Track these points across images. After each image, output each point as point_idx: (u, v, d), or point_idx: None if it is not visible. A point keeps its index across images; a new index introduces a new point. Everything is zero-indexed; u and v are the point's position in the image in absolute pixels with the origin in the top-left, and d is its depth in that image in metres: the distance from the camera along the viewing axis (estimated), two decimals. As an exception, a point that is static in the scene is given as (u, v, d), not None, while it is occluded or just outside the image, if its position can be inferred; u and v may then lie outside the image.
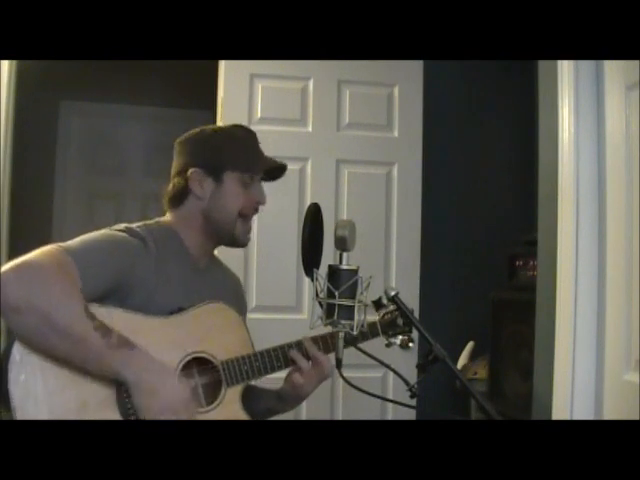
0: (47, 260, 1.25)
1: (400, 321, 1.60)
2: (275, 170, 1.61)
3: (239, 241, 1.57)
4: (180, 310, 1.44)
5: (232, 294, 1.63)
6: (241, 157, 1.54)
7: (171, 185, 1.57)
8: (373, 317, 1.59)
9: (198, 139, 1.57)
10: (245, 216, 1.55)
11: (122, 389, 1.29)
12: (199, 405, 1.41)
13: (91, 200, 4.05)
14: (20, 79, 2.35)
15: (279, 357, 1.52)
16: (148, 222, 1.52)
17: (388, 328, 1.61)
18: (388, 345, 1.62)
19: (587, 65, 1.96)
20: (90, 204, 4.04)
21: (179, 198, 1.55)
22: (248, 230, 1.57)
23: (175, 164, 1.58)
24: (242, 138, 1.58)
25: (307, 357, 1.54)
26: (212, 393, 1.44)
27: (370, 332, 1.60)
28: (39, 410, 1.23)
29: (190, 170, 1.53)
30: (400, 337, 1.61)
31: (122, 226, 1.46)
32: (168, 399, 1.29)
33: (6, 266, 1.22)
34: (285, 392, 1.58)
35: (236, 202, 1.53)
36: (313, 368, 1.53)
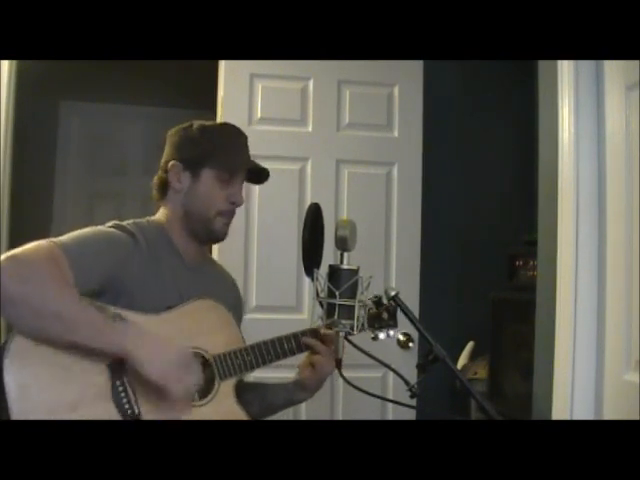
0: (38, 252, 1.27)
1: (385, 315, 1.61)
2: (258, 173, 1.62)
3: (215, 237, 1.58)
4: (169, 308, 1.45)
5: (225, 294, 1.62)
6: (220, 155, 1.55)
7: (156, 176, 1.60)
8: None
9: (183, 133, 1.59)
10: (221, 214, 1.56)
11: (117, 383, 1.31)
12: (192, 396, 1.42)
13: (91, 200, 4.05)
14: (20, 79, 2.35)
15: (269, 351, 1.53)
16: (138, 220, 1.54)
17: (374, 321, 1.62)
18: (374, 338, 1.62)
19: (587, 65, 1.96)
20: (90, 204, 4.04)
21: (161, 190, 1.59)
22: (227, 224, 1.57)
23: (163, 156, 1.61)
24: (226, 136, 1.59)
25: (322, 342, 1.56)
26: (205, 388, 1.45)
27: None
28: (35, 404, 1.24)
29: (170, 163, 1.56)
30: (385, 330, 1.61)
31: (112, 223, 1.48)
32: (171, 357, 1.31)
33: None
34: (306, 379, 1.59)
35: (211, 199, 1.54)
36: (328, 349, 1.55)
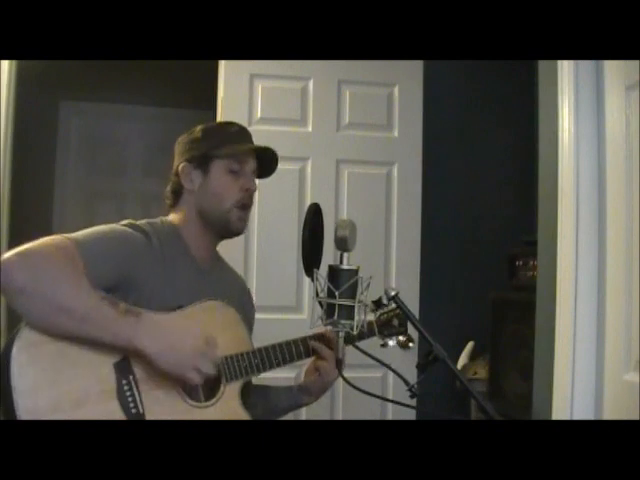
0: (52, 247, 1.28)
1: (395, 322, 1.62)
2: (265, 158, 1.60)
3: (233, 229, 1.56)
4: (179, 308, 1.45)
5: (236, 297, 1.62)
6: (227, 145, 1.55)
7: (168, 185, 1.61)
8: (369, 317, 1.59)
9: (186, 139, 1.60)
10: (243, 206, 1.55)
11: (123, 382, 1.31)
12: (198, 400, 1.42)
13: (91, 200, 4.05)
14: (20, 79, 2.35)
15: (277, 354, 1.53)
16: (152, 220, 1.54)
17: (383, 328, 1.63)
18: (383, 345, 1.63)
19: (587, 65, 1.96)
20: (90, 204, 4.04)
21: (175, 196, 1.59)
22: (243, 218, 1.57)
23: (173, 167, 1.62)
24: (228, 129, 1.60)
25: (329, 346, 1.57)
26: (211, 389, 1.45)
27: (366, 332, 1.60)
28: (40, 399, 1.24)
29: (180, 166, 1.56)
30: (395, 338, 1.62)
31: (127, 222, 1.49)
32: (184, 347, 1.32)
33: (10, 252, 1.25)
34: (310, 384, 1.60)
35: (225, 191, 1.54)
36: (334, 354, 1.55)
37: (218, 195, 1.54)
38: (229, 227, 1.56)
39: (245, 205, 1.56)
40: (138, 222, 1.50)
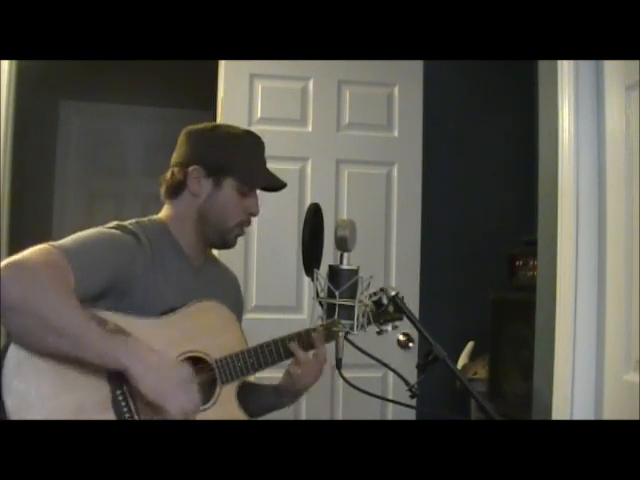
0: (41, 259, 1.24)
1: (391, 308, 1.61)
2: (275, 187, 1.61)
3: (227, 245, 1.58)
4: (172, 310, 1.44)
5: (228, 292, 1.63)
6: (245, 168, 1.54)
7: (170, 173, 1.56)
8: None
9: (208, 136, 1.56)
10: (241, 226, 1.56)
11: (117, 392, 1.30)
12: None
13: (91, 200, 4.05)
14: (20, 79, 2.35)
15: (272, 352, 1.52)
16: (141, 220, 1.52)
17: (379, 316, 1.62)
18: (379, 333, 1.61)
19: (587, 65, 1.96)
20: (90, 204, 4.04)
21: (176, 190, 1.55)
22: (238, 235, 1.58)
23: (178, 153, 1.57)
24: (251, 148, 1.57)
25: (304, 348, 1.55)
26: (207, 392, 1.44)
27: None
28: (33, 414, 1.23)
29: (191, 167, 1.52)
30: (391, 324, 1.61)
31: (114, 223, 1.46)
32: (171, 375, 1.30)
33: (1, 264, 1.22)
34: (283, 387, 1.60)
35: (230, 210, 1.53)
36: (312, 359, 1.55)
37: (224, 212, 1.53)
38: (224, 243, 1.57)
39: (245, 226, 1.57)
40: (126, 223, 1.47)
